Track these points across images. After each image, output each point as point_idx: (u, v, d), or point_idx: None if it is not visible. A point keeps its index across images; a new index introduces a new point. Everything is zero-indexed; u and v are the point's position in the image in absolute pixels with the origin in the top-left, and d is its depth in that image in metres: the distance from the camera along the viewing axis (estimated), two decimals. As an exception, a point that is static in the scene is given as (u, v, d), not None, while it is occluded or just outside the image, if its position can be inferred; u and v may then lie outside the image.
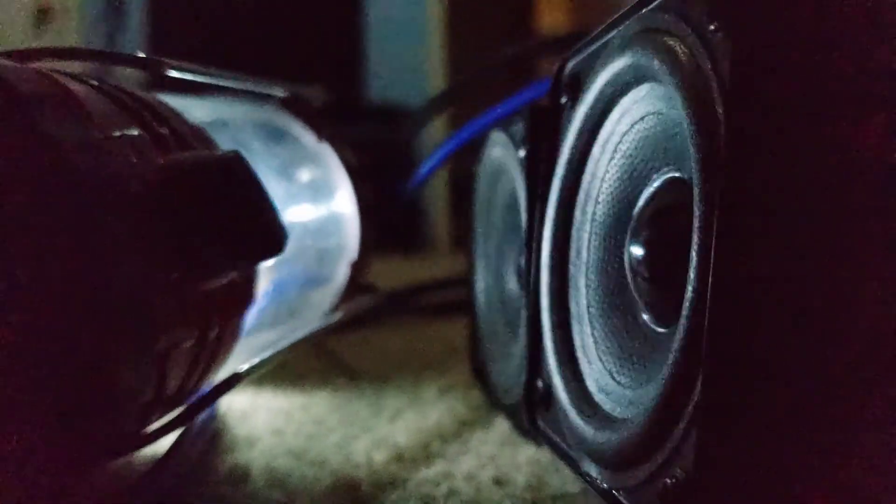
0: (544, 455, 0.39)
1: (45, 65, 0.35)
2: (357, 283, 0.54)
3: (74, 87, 0.32)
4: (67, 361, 0.28)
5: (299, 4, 2.29)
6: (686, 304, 0.24)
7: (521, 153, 0.42)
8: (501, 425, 0.45)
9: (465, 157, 0.54)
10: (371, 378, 0.56)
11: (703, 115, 0.24)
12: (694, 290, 0.24)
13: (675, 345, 0.25)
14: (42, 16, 1.95)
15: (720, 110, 0.24)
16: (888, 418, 0.24)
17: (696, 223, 0.24)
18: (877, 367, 0.24)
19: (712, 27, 0.25)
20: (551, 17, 2.38)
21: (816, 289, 0.23)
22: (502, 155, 0.46)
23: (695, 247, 0.24)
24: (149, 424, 0.34)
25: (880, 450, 0.24)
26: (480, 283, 0.51)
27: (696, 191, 0.24)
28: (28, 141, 0.28)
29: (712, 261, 0.23)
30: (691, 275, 0.24)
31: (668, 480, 0.25)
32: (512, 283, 0.46)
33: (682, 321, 0.24)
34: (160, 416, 0.34)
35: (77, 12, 2.02)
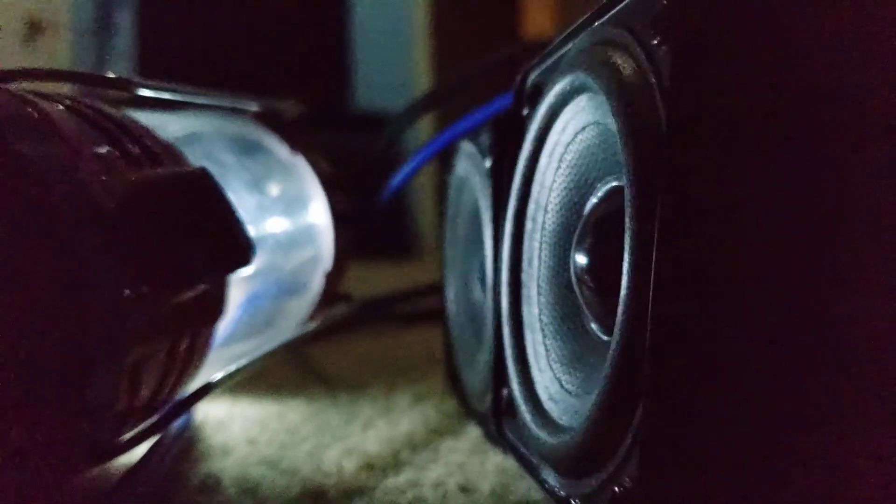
0: (512, 463, 0.40)
1: (29, 85, 0.36)
2: (332, 292, 0.55)
3: (46, 106, 0.33)
4: (38, 374, 0.29)
5: (287, 16, 2.30)
6: (619, 312, 0.25)
7: (487, 163, 0.43)
8: (473, 433, 0.45)
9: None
10: (347, 386, 0.57)
11: (636, 126, 0.25)
12: (625, 299, 0.25)
13: (609, 354, 0.25)
14: (33, 31, 1.95)
15: (663, 122, 0.25)
16: (835, 434, 0.24)
17: (626, 231, 0.25)
18: (822, 374, 0.24)
19: (655, 41, 0.26)
20: (537, 24, 2.40)
21: (759, 297, 0.24)
22: (468, 164, 0.47)
23: (626, 255, 0.24)
24: (122, 434, 0.34)
25: (828, 465, 0.24)
26: (451, 291, 0.52)
27: (626, 198, 0.25)
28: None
29: (653, 273, 0.24)
30: (623, 283, 0.25)
31: (617, 488, 0.26)
32: (476, 292, 0.47)
33: (615, 330, 0.25)
34: (133, 426, 0.35)
35: (68, 27, 2.03)
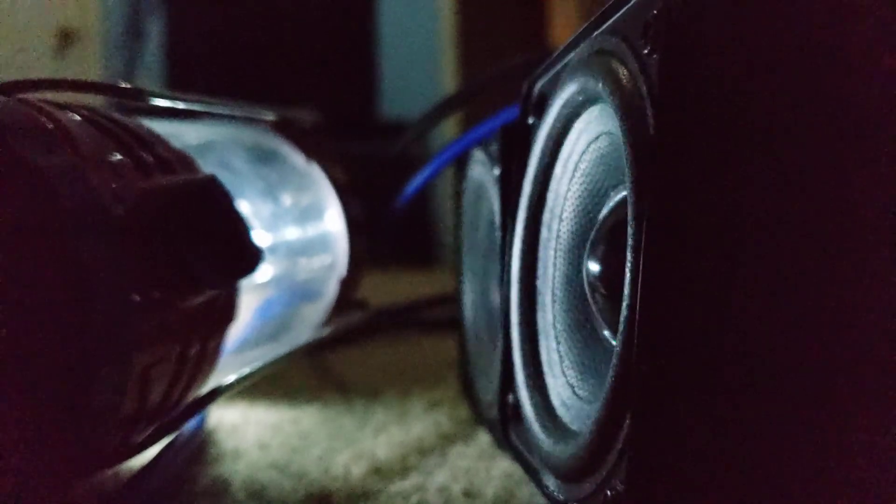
0: (518, 468, 0.40)
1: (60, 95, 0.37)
2: (347, 299, 0.55)
3: (60, 116, 0.34)
4: (46, 377, 0.29)
5: (314, 25, 2.32)
6: (621, 319, 0.25)
7: (496, 171, 0.43)
8: (483, 439, 0.46)
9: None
10: (362, 393, 0.57)
11: (637, 136, 0.25)
12: (628, 307, 0.25)
13: (613, 361, 0.25)
14: (64, 39, 1.99)
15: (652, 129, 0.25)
16: (809, 447, 0.24)
17: (628, 239, 0.25)
18: (813, 381, 0.24)
19: (646, 51, 0.26)
20: (565, 31, 2.39)
21: (751, 302, 0.24)
22: (482, 173, 0.47)
23: (628, 264, 0.25)
24: (132, 437, 0.35)
25: (803, 475, 0.24)
26: (467, 298, 0.52)
27: (628, 206, 0.25)
28: (6, 167, 0.29)
29: (640, 281, 0.24)
30: (626, 292, 0.25)
31: (609, 492, 0.26)
32: (495, 299, 0.47)
33: (618, 337, 0.25)
34: (143, 429, 0.36)
35: (98, 37, 2.07)
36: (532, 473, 0.35)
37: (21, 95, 0.35)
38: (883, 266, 0.24)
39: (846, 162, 0.24)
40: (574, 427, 0.31)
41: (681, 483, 0.24)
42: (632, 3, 0.28)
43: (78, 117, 0.36)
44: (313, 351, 0.57)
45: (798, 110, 0.24)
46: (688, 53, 0.25)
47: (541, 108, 0.38)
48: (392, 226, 0.60)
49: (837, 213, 0.24)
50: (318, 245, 0.53)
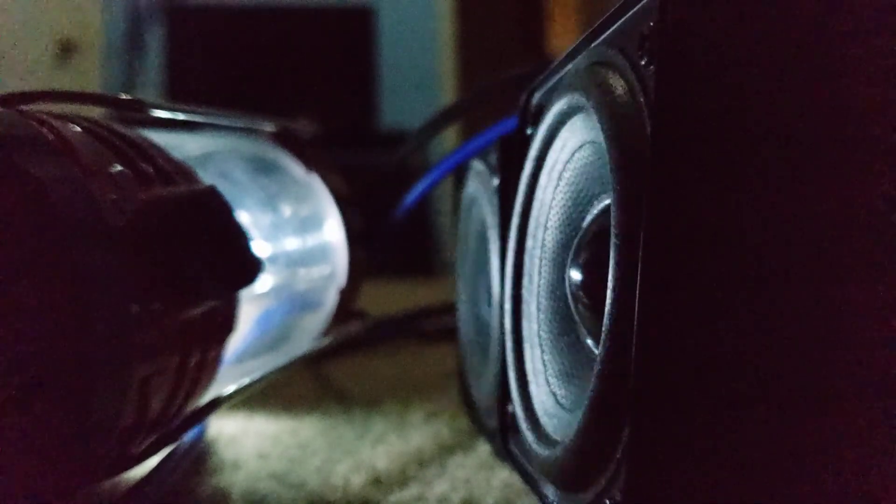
0: (518, 479, 0.40)
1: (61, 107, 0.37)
2: (346, 309, 0.56)
3: (61, 127, 0.34)
4: (46, 388, 0.30)
5: (314, 36, 2.33)
6: (603, 328, 0.25)
7: (495, 181, 0.43)
8: (482, 449, 0.46)
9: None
10: (362, 403, 0.57)
11: (623, 144, 0.25)
12: (609, 314, 0.25)
13: (595, 369, 0.26)
14: (65, 51, 2.00)
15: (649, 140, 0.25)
16: (810, 453, 0.24)
17: (612, 247, 0.25)
18: (810, 390, 0.24)
19: (643, 61, 0.26)
20: (563, 41, 2.40)
21: (746, 311, 0.24)
22: (478, 183, 0.47)
23: (611, 270, 0.25)
24: (131, 448, 0.35)
25: (803, 481, 0.24)
26: (463, 308, 0.53)
27: (612, 214, 0.25)
28: (7, 178, 0.30)
29: (638, 294, 0.24)
30: (607, 299, 0.25)
31: (608, 501, 0.26)
32: (483, 308, 0.47)
33: (600, 346, 0.25)
34: (143, 440, 0.36)
35: (99, 48, 2.07)
36: (531, 483, 0.35)
37: (22, 107, 0.35)
38: (882, 270, 0.24)
39: (844, 169, 0.24)
40: (557, 436, 0.31)
41: (679, 492, 0.24)
42: (629, 14, 0.28)
43: (78, 128, 0.36)
44: (313, 361, 0.57)
45: (795, 119, 0.24)
46: (685, 64, 0.25)
47: (538, 118, 0.38)
48: (391, 235, 0.61)
49: (835, 221, 0.24)
50: (318, 255, 0.53)
